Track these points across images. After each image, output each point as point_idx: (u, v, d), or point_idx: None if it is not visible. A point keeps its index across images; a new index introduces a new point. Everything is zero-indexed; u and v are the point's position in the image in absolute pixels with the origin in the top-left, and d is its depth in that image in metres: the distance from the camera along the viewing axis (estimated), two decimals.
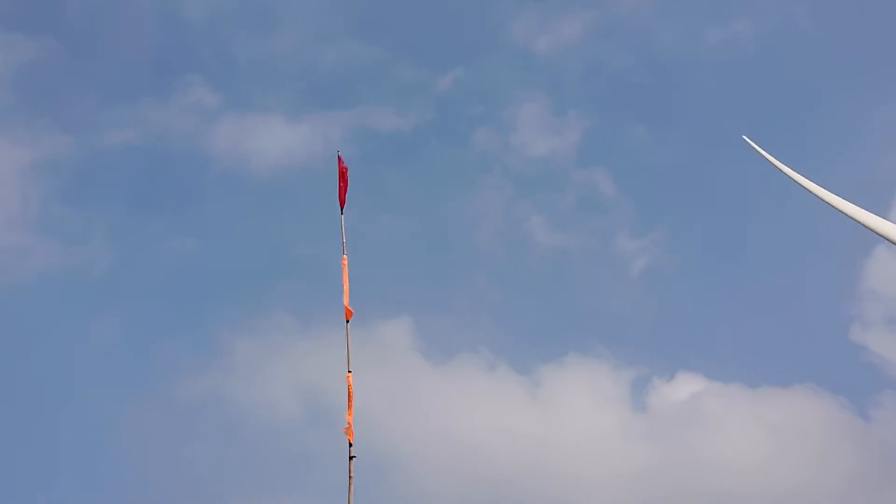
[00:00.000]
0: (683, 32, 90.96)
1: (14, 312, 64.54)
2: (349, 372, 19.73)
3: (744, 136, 35.54)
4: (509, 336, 77.85)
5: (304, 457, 59.56)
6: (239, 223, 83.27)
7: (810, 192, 33.62)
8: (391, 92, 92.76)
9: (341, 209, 22.20)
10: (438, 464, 60.06)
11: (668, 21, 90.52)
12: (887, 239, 32.23)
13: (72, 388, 61.04)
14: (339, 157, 22.70)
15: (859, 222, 32.52)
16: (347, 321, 20.38)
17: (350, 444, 19.24)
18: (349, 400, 19.54)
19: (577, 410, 67.82)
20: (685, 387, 68.54)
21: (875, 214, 32.56)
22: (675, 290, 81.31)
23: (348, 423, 19.38)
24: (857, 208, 32.65)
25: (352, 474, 19.08)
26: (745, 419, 65.08)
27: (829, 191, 33.48)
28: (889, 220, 33.19)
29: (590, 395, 69.55)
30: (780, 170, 34.71)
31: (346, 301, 20.58)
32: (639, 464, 62.10)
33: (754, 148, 35.27)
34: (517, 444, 63.48)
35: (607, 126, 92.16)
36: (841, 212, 32.83)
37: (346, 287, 20.73)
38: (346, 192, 22.28)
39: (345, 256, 21.28)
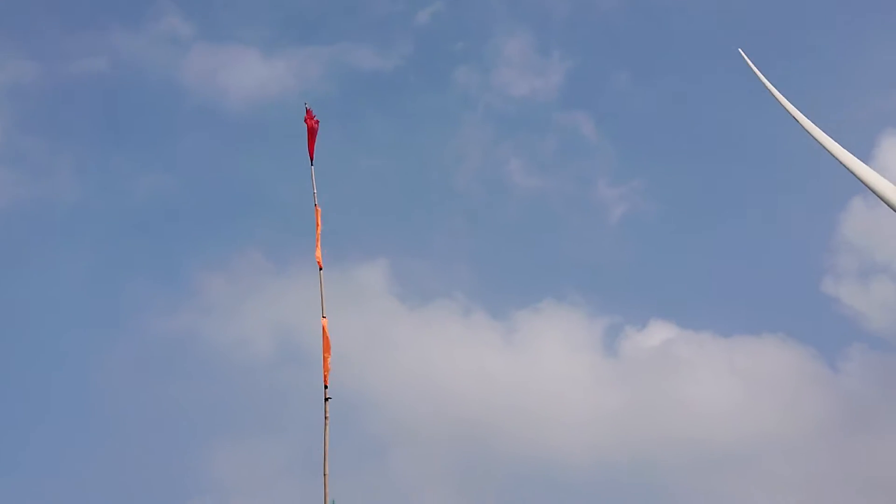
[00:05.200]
0: None
1: None
2: (324, 318, 19.97)
3: (739, 50, 34.86)
4: (485, 281, 78.43)
5: (278, 396, 60.21)
6: (213, 159, 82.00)
7: (801, 124, 33.07)
8: (368, 26, 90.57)
9: (311, 161, 22.04)
10: (413, 406, 61.11)
11: None
12: (869, 186, 32.50)
13: (39, 324, 60.77)
14: (307, 110, 22.23)
15: (844, 164, 32.52)
16: (321, 269, 20.57)
17: (325, 386, 19.61)
18: (325, 344, 19.84)
19: (550, 356, 69.01)
20: (657, 334, 69.81)
21: (858, 159, 32.65)
22: (652, 238, 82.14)
23: (325, 366, 19.71)
24: (845, 152, 32.42)
25: (327, 415, 19.49)
26: (716, 366, 66.59)
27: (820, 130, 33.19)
28: (872, 167, 33.35)
29: (563, 342, 70.70)
30: (772, 93, 34.10)
31: (318, 252, 20.75)
32: (610, 408, 63.60)
33: (749, 64, 34.68)
34: (491, 388, 64.61)
35: (591, 69, 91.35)
36: (829, 151, 32.60)
37: (318, 238, 20.85)
38: (314, 144, 22.05)
39: (317, 207, 21.36)
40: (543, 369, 67.56)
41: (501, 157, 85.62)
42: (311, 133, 22.13)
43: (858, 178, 32.31)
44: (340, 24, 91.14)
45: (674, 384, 65.19)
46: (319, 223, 21.06)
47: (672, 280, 77.82)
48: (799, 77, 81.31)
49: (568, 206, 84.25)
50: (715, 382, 65.20)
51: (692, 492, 56.23)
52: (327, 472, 19.03)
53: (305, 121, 22.12)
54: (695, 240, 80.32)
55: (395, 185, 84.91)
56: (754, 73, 34.59)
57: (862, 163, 32.60)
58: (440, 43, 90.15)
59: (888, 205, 32.04)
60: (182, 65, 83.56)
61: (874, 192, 32.19)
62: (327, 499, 18.62)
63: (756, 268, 75.32)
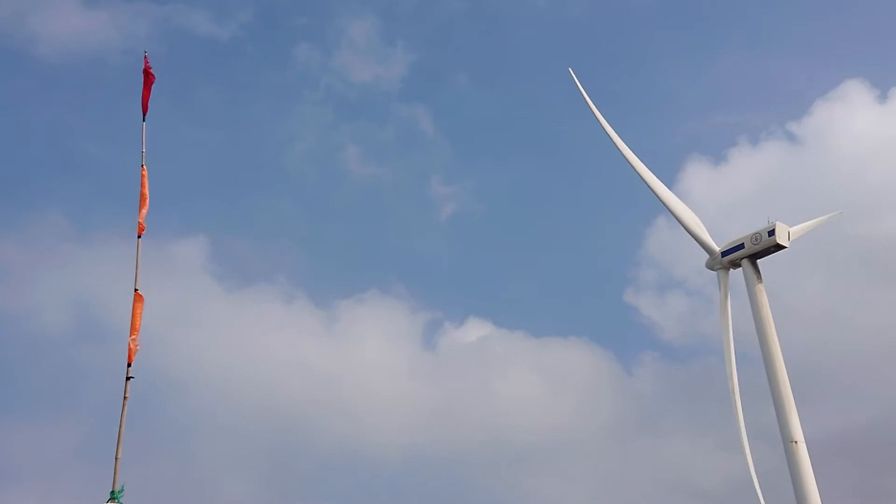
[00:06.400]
0: None
1: None
2: (136, 290, 18.81)
3: (569, 69, 37.08)
4: (311, 267, 77.43)
5: (73, 373, 56.18)
6: (14, 108, 74.86)
7: (618, 149, 36.01)
8: None
9: (143, 116, 20.76)
10: (223, 391, 59.17)
11: None
12: (668, 208, 35.48)
13: None
14: (145, 59, 21.03)
15: (649, 186, 35.59)
16: (139, 236, 19.34)
17: (129, 364, 18.49)
18: (134, 319, 18.68)
19: (370, 348, 69.38)
20: (474, 331, 72.35)
21: (665, 181, 35.83)
22: (477, 239, 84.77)
23: (132, 343, 18.58)
24: (651, 175, 35.65)
25: (127, 395, 18.39)
26: (525, 364, 70.03)
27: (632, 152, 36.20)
28: (676, 190, 36.60)
29: (384, 334, 71.32)
30: (595, 114, 36.71)
31: (142, 215, 19.46)
32: (425, 401, 65.02)
33: (577, 84, 37.09)
34: (307, 376, 63.95)
35: (434, 65, 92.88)
36: (637, 172, 35.65)
37: (144, 200, 19.58)
38: (149, 98, 20.83)
39: (144, 167, 20.04)
40: (362, 360, 67.77)
41: (338, 141, 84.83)
42: (148, 84, 20.83)
43: (661, 200, 35.35)
44: None
45: (486, 380, 67.76)
46: (146, 186, 19.80)
47: (492, 281, 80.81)
48: (623, 97, 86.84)
49: (401, 198, 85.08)
50: (523, 380, 68.54)
51: (495, 485, 58.65)
52: (119, 457, 17.94)
53: (144, 71, 20.80)
54: (515, 244, 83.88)
55: (223, 158, 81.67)
56: (582, 91, 36.99)
57: (664, 186, 35.66)
58: (281, 16, 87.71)
59: (683, 226, 35.20)
60: None
61: (673, 213, 35.27)
62: (116, 484, 17.57)
63: (568, 274, 79.87)
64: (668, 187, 35.94)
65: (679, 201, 35.65)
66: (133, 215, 19.78)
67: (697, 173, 78.24)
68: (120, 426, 18.15)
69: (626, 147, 36.27)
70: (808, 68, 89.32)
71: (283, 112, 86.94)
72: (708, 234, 34.97)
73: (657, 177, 35.51)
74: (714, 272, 34.54)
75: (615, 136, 36.40)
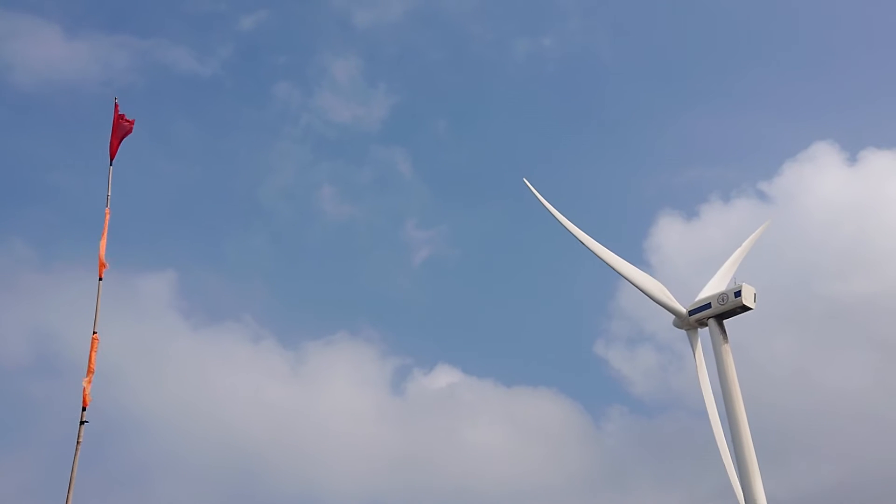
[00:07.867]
0: (495, 38, 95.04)
1: None
2: (94, 333, 18.49)
3: (524, 180, 37.63)
4: (280, 306, 76.71)
5: (28, 407, 54.63)
6: None
7: (571, 233, 36.55)
8: (188, 25, 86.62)
9: (111, 160, 20.70)
10: (184, 428, 58.00)
11: (483, 24, 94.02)
12: (630, 281, 35.68)
13: None
14: (115, 105, 21.03)
15: (606, 262, 35.93)
16: (100, 278, 19.10)
17: (84, 409, 18.09)
18: (90, 363, 18.33)
19: (337, 392, 68.60)
20: (443, 378, 71.86)
21: (623, 259, 36.03)
22: (449, 285, 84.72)
23: (86, 387, 18.20)
24: (607, 251, 36.07)
25: (80, 439, 17.98)
26: (494, 412, 69.48)
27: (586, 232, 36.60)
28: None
29: (352, 378, 70.62)
30: (552, 214, 37.38)
31: (101, 256, 19.24)
32: (391, 448, 64.12)
33: (532, 191, 37.59)
34: (271, 419, 62.92)
35: (415, 110, 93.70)
36: (593, 252, 36.04)
37: (103, 242, 19.39)
38: (119, 143, 20.80)
39: (108, 211, 19.89)
40: (328, 404, 66.91)
41: (315, 180, 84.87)
42: (119, 131, 20.83)
43: (622, 275, 35.57)
44: (157, 17, 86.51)
45: (454, 428, 67.10)
46: (107, 228, 19.65)
47: (463, 328, 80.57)
48: (597, 149, 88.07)
49: (375, 241, 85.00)
50: (491, 429, 67.95)
51: None
52: (70, 503, 17.49)
53: (117, 118, 20.80)
54: (488, 291, 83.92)
55: (197, 192, 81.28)
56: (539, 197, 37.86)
57: (622, 260, 35.89)
58: (263, 54, 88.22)
59: (647, 295, 35.32)
60: None
61: (636, 285, 35.44)
62: None
63: (540, 323, 79.90)
64: (627, 259, 36.05)
65: (639, 272, 35.77)
66: (94, 246, 19.60)
67: (670, 227, 79.22)
68: (72, 472, 17.68)
69: (583, 232, 36.74)
70: (779, 128, 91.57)
71: (260, 148, 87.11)
72: (673, 298, 35.06)
73: (616, 254, 35.74)
74: (682, 330, 34.73)
75: (570, 224, 36.89)
